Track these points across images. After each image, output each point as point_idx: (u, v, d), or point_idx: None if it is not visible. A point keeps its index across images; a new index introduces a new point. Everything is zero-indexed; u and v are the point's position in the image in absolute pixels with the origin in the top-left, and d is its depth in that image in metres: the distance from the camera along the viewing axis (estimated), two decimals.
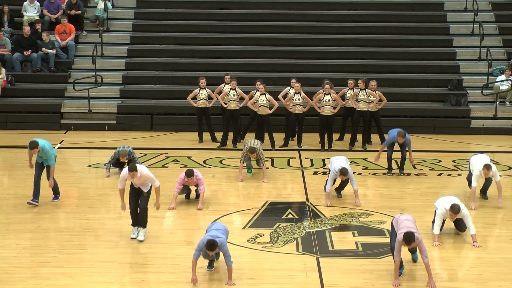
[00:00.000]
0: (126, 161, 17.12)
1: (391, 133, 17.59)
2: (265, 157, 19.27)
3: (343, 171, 15.36)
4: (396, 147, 17.89)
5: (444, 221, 13.65)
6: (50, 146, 15.36)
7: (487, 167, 15.24)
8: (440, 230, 13.57)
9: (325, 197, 15.71)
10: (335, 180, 15.85)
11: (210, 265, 12.23)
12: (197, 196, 15.59)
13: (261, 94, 20.15)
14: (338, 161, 15.80)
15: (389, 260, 12.87)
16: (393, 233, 12.19)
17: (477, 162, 15.56)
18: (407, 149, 17.73)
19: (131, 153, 17.29)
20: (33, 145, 15.01)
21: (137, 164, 13.51)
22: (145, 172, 13.31)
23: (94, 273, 12.17)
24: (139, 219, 13.53)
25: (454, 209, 13.17)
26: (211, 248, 11.54)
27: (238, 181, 17.21)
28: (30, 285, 11.76)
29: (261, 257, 13.04)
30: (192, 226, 14.56)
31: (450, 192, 16.91)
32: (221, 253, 11.98)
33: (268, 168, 18.01)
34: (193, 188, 15.74)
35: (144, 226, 13.54)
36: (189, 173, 15.13)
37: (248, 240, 13.76)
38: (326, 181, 15.87)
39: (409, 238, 11.59)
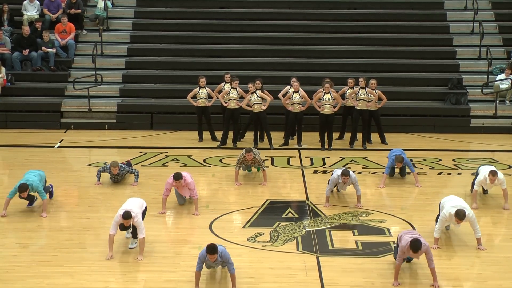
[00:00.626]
0: (117, 173, 16.69)
1: (390, 157, 17.18)
2: (265, 156, 19.29)
3: (344, 172, 15.30)
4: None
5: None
6: (37, 183, 14.74)
7: (493, 173, 15.13)
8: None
9: (325, 200, 15.68)
10: (335, 186, 15.86)
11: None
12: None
13: (252, 92, 20.12)
14: (339, 169, 15.73)
15: (389, 259, 12.88)
16: (397, 246, 12.18)
17: (484, 169, 15.52)
18: (408, 170, 17.41)
19: (123, 168, 16.84)
20: (23, 189, 14.49)
21: (131, 211, 12.82)
22: (137, 219, 12.83)
23: (94, 272, 12.16)
24: (132, 231, 13.24)
25: (459, 215, 12.87)
26: (212, 252, 11.41)
27: (235, 185, 17.04)
28: (30, 284, 11.76)
29: (261, 256, 13.04)
30: (192, 225, 14.55)
31: (450, 191, 16.89)
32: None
33: (268, 167, 17.99)
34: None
35: (137, 237, 13.24)
36: (177, 176, 14.85)
37: (248, 239, 13.76)
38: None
39: (415, 245, 11.50)
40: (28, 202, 15.28)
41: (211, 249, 11.42)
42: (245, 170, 17.63)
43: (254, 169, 17.81)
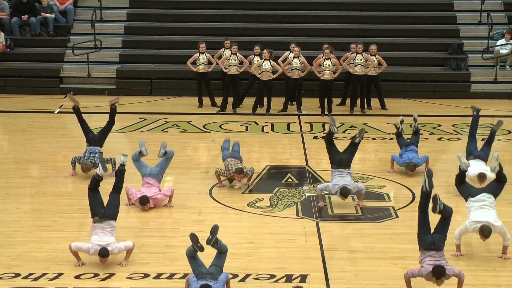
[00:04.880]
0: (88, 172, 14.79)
1: (402, 155, 15.63)
2: (265, 122, 19.32)
3: (343, 192, 13.36)
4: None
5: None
6: None
7: (481, 176, 13.94)
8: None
9: (319, 198, 13.84)
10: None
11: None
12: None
13: (265, 60, 20.05)
14: (341, 179, 13.57)
15: (389, 224, 12.95)
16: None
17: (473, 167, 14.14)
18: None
19: (94, 164, 14.83)
20: None
21: (109, 247, 11.16)
22: (117, 249, 11.28)
23: None
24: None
25: (484, 232, 11.47)
26: None
27: (218, 186, 14.72)
28: (30, 249, 11.80)
29: (261, 222, 13.08)
30: (192, 190, 14.57)
31: (449, 156, 16.92)
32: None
33: (268, 132, 17.95)
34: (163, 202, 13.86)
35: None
36: (144, 201, 13.30)
37: (248, 205, 13.80)
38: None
39: (438, 271, 10.08)
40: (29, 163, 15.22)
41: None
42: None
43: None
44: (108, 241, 11.21)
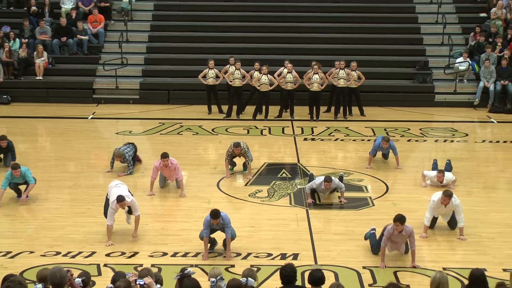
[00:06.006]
0: (120, 161, 15.14)
1: (377, 139, 15.66)
2: (263, 126, 19.32)
3: (327, 178, 13.21)
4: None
5: (436, 218, 12.01)
6: (25, 170, 13.30)
7: (440, 172, 14.04)
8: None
9: (308, 197, 13.50)
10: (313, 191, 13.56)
11: (211, 247, 11.19)
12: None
13: (264, 74, 20.08)
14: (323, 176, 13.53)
15: (367, 211, 12.98)
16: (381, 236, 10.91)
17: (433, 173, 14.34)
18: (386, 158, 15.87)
19: (125, 156, 15.05)
20: (16, 166, 13.16)
21: (123, 194, 11.55)
22: (131, 199, 11.58)
23: (121, 222, 12.17)
24: (128, 210, 11.93)
25: (447, 192, 11.62)
26: (215, 216, 10.73)
27: (226, 177, 14.86)
28: (69, 232, 11.85)
29: (260, 209, 13.11)
30: (203, 183, 14.59)
31: (417, 155, 16.95)
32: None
33: (266, 135, 17.94)
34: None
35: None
36: (164, 155, 13.66)
37: (249, 195, 13.83)
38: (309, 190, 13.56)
39: (402, 217, 10.46)
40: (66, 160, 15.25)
41: (214, 214, 10.78)
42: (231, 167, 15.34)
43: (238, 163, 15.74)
44: (126, 194, 11.60)
